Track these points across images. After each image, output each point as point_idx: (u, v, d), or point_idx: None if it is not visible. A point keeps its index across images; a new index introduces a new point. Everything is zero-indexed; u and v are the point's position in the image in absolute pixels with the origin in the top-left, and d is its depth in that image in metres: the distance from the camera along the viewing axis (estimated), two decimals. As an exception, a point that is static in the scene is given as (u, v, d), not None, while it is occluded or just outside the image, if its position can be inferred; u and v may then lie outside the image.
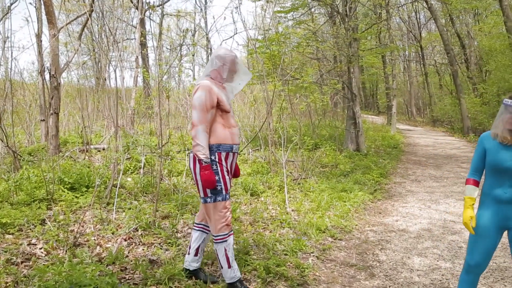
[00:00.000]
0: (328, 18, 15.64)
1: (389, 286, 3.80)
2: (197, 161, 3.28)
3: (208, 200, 3.34)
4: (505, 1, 14.67)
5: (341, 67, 12.86)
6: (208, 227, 3.60)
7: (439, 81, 32.10)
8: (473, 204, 2.95)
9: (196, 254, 3.62)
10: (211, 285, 3.54)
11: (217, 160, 3.33)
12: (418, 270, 4.18)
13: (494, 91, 16.22)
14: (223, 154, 3.35)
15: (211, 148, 3.32)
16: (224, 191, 3.34)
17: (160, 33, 24.09)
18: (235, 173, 3.70)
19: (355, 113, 11.98)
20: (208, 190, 3.32)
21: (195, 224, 3.67)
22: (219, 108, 3.36)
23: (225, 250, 3.38)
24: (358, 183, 7.92)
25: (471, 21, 26.34)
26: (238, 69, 3.57)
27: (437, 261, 4.42)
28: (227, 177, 3.37)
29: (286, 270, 3.91)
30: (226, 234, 3.38)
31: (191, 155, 3.35)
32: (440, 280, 3.92)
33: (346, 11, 11.79)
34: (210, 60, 3.54)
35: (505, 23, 15.40)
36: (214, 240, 3.40)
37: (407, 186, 8.38)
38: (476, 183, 3.02)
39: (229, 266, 3.40)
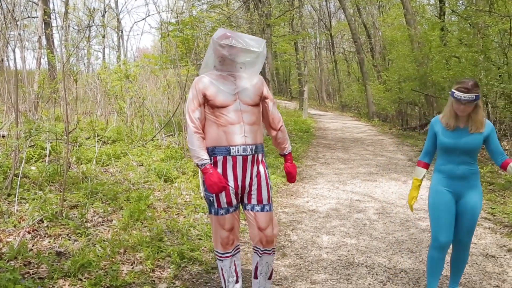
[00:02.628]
0: (242, 3, 15.69)
1: (300, 264, 3.98)
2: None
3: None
4: (405, -5, 15.71)
5: (255, 52, 12.96)
6: (257, 248, 2.99)
7: (347, 68, 33.77)
8: (419, 185, 3.19)
9: (255, 277, 3.07)
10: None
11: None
12: (326, 247, 4.42)
13: (395, 78, 17.44)
14: (220, 159, 2.81)
15: (208, 152, 2.83)
16: (215, 205, 2.85)
17: (66, 12, 22.58)
18: (289, 177, 3.15)
19: (269, 98, 12.19)
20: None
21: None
22: (209, 104, 2.81)
23: (221, 269, 2.97)
24: (271, 166, 8.12)
25: (376, 13, 27.91)
26: (231, 51, 2.79)
27: (344, 238, 4.71)
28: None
29: (200, 255, 3.94)
30: (221, 253, 2.93)
31: None
32: (346, 256, 4.18)
33: (259, -3, 11.92)
34: None
35: (405, 15, 16.55)
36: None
37: (317, 169, 8.76)
38: (426, 166, 3.21)
39: (224, 284, 3.01)
